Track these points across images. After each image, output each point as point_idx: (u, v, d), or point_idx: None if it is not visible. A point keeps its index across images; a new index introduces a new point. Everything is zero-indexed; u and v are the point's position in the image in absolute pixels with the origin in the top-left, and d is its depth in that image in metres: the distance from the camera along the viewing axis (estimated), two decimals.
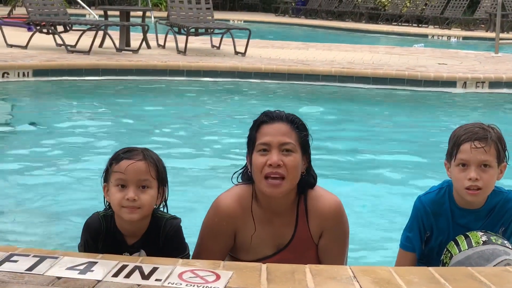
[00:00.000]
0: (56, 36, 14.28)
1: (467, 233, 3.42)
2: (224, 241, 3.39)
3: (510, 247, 3.37)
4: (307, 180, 3.37)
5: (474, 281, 2.93)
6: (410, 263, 3.60)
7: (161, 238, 3.27)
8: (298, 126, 3.31)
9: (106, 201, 3.32)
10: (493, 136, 3.41)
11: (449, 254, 3.41)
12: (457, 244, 3.40)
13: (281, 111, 3.36)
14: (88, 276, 2.83)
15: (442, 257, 3.46)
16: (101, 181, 3.29)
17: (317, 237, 3.39)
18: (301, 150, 3.30)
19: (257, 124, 3.31)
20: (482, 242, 3.34)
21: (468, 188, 3.40)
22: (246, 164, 3.43)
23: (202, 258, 3.33)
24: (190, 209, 5.54)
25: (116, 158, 3.23)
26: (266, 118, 3.30)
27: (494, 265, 3.27)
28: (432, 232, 3.57)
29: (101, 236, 3.27)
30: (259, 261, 3.32)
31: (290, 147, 3.25)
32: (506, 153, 3.49)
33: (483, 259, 3.30)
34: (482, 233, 3.40)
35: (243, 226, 3.37)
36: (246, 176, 3.43)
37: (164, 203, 3.36)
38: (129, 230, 3.27)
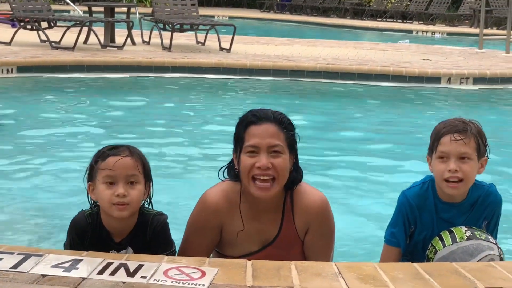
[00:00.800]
0: (40, 32, 14.23)
1: (451, 229, 3.44)
2: (210, 236, 3.40)
3: (494, 242, 3.39)
4: (294, 176, 3.37)
5: (458, 276, 2.94)
6: (395, 258, 3.62)
7: (148, 234, 3.27)
8: (286, 126, 3.30)
9: (91, 199, 3.32)
10: (473, 129, 3.46)
11: (434, 249, 3.44)
12: (442, 240, 3.42)
13: (268, 109, 3.35)
14: (73, 273, 2.83)
15: (427, 253, 3.48)
16: (84, 179, 3.28)
17: (302, 233, 3.40)
18: (288, 150, 3.30)
19: (245, 124, 3.29)
20: (466, 237, 3.37)
21: (448, 179, 3.44)
22: (232, 160, 3.43)
23: (188, 253, 3.34)
24: (176, 205, 5.53)
25: (101, 155, 3.22)
26: (254, 118, 3.29)
27: (478, 260, 3.29)
28: (416, 227, 3.59)
29: (87, 234, 3.27)
30: (245, 257, 3.33)
31: (279, 149, 3.25)
32: (487, 148, 3.53)
33: (467, 254, 3.32)
34: (467, 229, 3.42)
35: (229, 221, 3.38)
36: (233, 172, 3.43)
37: (149, 199, 3.36)
38: (116, 228, 3.27)
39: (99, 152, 3.26)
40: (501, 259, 3.34)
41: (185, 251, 3.38)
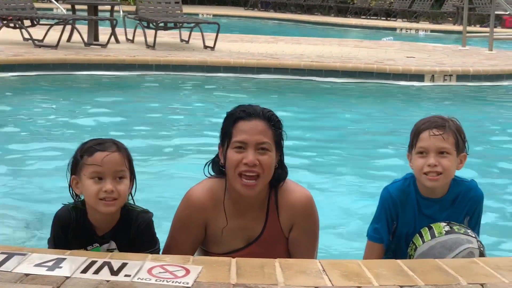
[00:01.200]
0: (23, 30, 14.14)
1: (431, 225, 3.47)
2: (195, 233, 3.39)
3: (473, 235, 3.42)
4: (279, 174, 3.38)
5: (441, 272, 2.96)
6: (378, 254, 3.64)
7: (132, 231, 3.27)
8: (274, 123, 3.30)
9: (74, 193, 3.30)
10: (451, 125, 3.52)
11: (414, 246, 3.46)
12: (421, 236, 3.45)
13: (256, 106, 3.35)
14: (57, 272, 2.82)
15: (408, 250, 3.50)
16: (67, 174, 3.27)
17: (287, 230, 3.40)
18: (275, 147, 3.30)
19: (234, 120, 3.29)
20: (445, 232, 3.40)
21: (427, 173, 3.46)
22: (217, 155, 3.42)
23: (173, 250, 3.34)
24: (162, 202, 5.53)
25: (88, 150, 3.21)
26: (243, 114, 3.28)
27: (457, 254, 3.32)
28: (398, 222, 3.61)
29: (70, 227, 3.26)
30: (229, 254, 3.34)
31: (266, 146, 3.25)
32: (466, 144, 3.58)
33: (445, 248, 3.35)
34: (445, 224, 3.45)
35: (214, 219, 3.38)
36: (217, 167, 3.42)
37: (130, 194, 3.35)
38: (101, 221, 3.26)
39: (84, 146, 3.24)
40: (481, 252, 3.36)
41: (170, 249, 3.38)
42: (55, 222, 3.30)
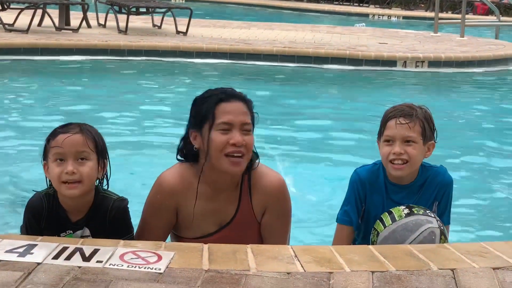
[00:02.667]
0: None
1: (390, 209, 3.50)
2: (166, 218, 3.39)
3: (433, 215, 3.45)
4: (252, 156, 3.38)
5: (412, 258, 2.98)
6: (347, 237, 3.66)
7: (108, 218, 3.25)
8: (251, 105, 3.33)
9: (48, 180, 3.29)
10: (419, 114, 3.54)
11: (376, 232, 3.49)
12: (382, 221, 3.48)
13: (232, 89, 3.36)
14: (28, 258, 2.80)
15: (371, 236, 3.53)
16: (41, 160, 3.26)
17: (259, 214, 3.40)
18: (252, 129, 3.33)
19: (215, 101, 3.29)
20: (404, 215, 3.43)
21: (392, 161, 3.50)
22: (184, 139, 3.40)
23: (145, 235, 3.34)
24: (134, 186, 5.52)
25: (52, 133, 3.20)
26: (224, 95, 3.29)
27: (418, 234, 3.35)
28: (366, 205, 3.63)
29: (43, 214, 3.24)
30: (202, 238, 3.34)
31: (249, 127, 3.28)
32: (435, 133, 3.61)
33: (407, 230, 3.38)
34: (404, 207, 3.49)
35: (185, 203, 3.37)
36: (189, 152, 3.40)
37: (105, 176, 3.33)
38: (72, 206, 3.24)
39: (52, 131, 3.24)
40: (441, 231, 3.39)
41: (142, 233, 3.38)
42: (27, 209, 3.27)
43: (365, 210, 3.64)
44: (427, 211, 3.47)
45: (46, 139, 3.22)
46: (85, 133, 3.18)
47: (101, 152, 3.24)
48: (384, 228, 3.45)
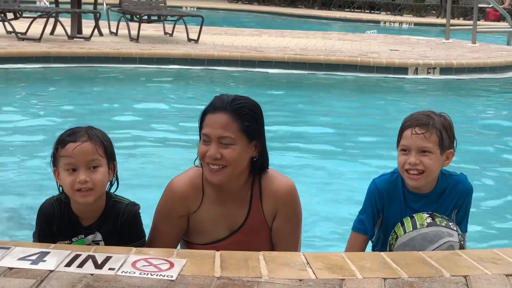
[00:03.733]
0: (6, 23, 14.06)
1: (413, 215, 3.48)
2: (177, 224, 3.39)
3: (455, 229, 3.43)
4: (260, 163, 3.38)
5: (425, 265, 2.97)
6: (360, 245, 3.64)
7: (119, 223, 3.26)
8: (242, 115, 3.27)
9: (59, 185, 3.30)
10: (436, 123, 3.48)
11: (395, 235, 3.47)
12: (403, 225, 3.46)
13: (229, 96, 3.33)
14: (40, 266, 2.81)
15: (389, 238, 3.51)
16: (51, 166, 3.27)
17: (270, 219, 3.40)
18: (247, 138, 3.29)
19: (203, 112, 3.31)
20: (426, 224, 3.41)
21: (408, 170, 3.48)
22: None
23: (156, 242, 3.34)
24: (148, 192, 5.52)
25: (61, 142, 3.20)
26: (210, 107, 3.29)
27: (437, 247, 3.33)
28: (384, 215, 3.61)
29: (55, 220, 3.25)
30: (213, 244, 3.35)
31: (228, 141, 3.23)
32: (455, 141, 3.56)
33: (426, 240, 3.36)
34: (428, 215, 3.46)
35: (196, 209, 3.37)
36: None
37: (116, 179, 3.34)
38: (84, 211, 3.25)
39: (59, 137, 3.24)
40: (461, 246, 3.37)
41: (153, 240, 3.38)
42: (39, 215, 3.29)
43: (383, 220, 3.62)
44: (450, 223, 3.43)
45: (54, 146, 3.23)
46: (93, 139, 3.18)
47: (110, 156, 3.25)
48: (404, 233, 3.43)
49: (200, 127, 3.31)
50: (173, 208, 3.36)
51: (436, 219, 3.43)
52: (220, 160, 3.23)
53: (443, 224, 3.41)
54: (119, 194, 3.36)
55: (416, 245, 3.36)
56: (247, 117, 3.28)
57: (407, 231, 3.42)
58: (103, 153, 3.19)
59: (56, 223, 3.26)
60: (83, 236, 3.27)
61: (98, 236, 3.27)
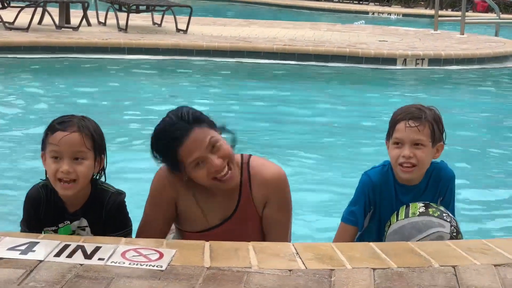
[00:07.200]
0: None
1: (409, 203, 3.50)
2: (166, 209, 3.40)
3: (448, 220, 3.44)
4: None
5: (414, 255, 2.98)
6: (350, 237, 3.65)
7: (104, 211, 3.26)
8: (204, 119, 3.27)
9: (46, 171, 3.29)
10: (428, 116, 3.51)
11: (389, 223, 3.50)
12: (397, 214, 3.48)
13: (179, 121, 3.25)
14: (30, 256, 2.81)
15: (385, 226, 3.54)
16: (40, 150, 3.25)
17: (260, 207, 3.41)
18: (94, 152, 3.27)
19: (173, 150, 3.23)
20: (418, 213, 3.43)
21: (401, 164, 3.48)
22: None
23: (146, 228, 3.36)
24: (138, 182, 5.51)
25: (51, 128, 3.19)
26: (176, 141, 3.21)
27: (425, 236, 3.36)
28: (375, 208, 3.62)
29: (41, 205, 3.25)
30: (205, 231, 3.37)
31: (218, 140, 3.25)
32: (444, 134, 3.59)
33: (415, 229, 3.39)
34: (422, 204, 3.48)
35: (184, 194, 3.38)
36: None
37: (102, 172, 3.33)
38: (70, 198, 3.25)
39: (51, 123, 3.22)
40: (452, 237, 3.38)
41: (142, 225, 3.41)
42: (26, 201, 3.29)
43: (374, 213, 3.63)
44: (444, 214, 3.45)
45: (44, 131, 3.22)
46: (83, 131, 3.16)
47: (99, 148, 3.23)
48: (396, 221, 3.46)
49: (181, 165, 3.25)
50: (161, 193, 3.38)
51: (430, 209, 3.45)
52: (224, 164, 3.23)
53: (436, 215, 3.43)
54: (105, 182, 3.36)
55: (405, 233, 3.38)
56: (207, 117, 3.32)
57: (399, 219, 3.46)
58: (90, 146, 3.17)
59: (43, 209, 3.26)
60: (69, 222, 3.27)
61: (84, 222, 3.28)
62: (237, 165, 3.36)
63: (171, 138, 3.23)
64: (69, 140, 3.13)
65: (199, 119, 3.26)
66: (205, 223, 3.41)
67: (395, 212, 3.52)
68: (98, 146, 3.22)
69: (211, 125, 3.30)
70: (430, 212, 3.44)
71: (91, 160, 3.19)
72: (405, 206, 3.51)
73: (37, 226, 3.26)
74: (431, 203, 3.51)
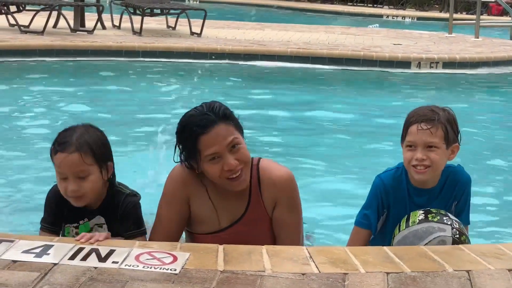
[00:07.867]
0: (9, 16, 14.05)
1: (410, 213, 3.49)
2: (179, 209, 3.43)
3: (449, 223, 3.41)
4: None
5: (428, 259, 2.98)
6: (363, 240, 3.65)
7: (119, 212, 3.33)
8: (227, 116, 3.30)
9: None
10: (441, 118, 3.49)
11: (394, 235, 3.49)
12: (400, 225, 3.48)
13: (204, 111, 3.29)
14: (44, 259, 2.82)
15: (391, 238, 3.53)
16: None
17: (270, 208, 3.43)
18: (241, 135, 3.34)
19: (195, 138, 3.26)
20: (417, 221, 3.42)
21: (415, 166, 3.47)
22: (182, 156, 3.41)
23: (159, 229, 3.40)
24: (151, 185, 5.52)
25: (53, 148, 3.28)
26: (201, 129, 3.25)
27: (426, 243, 3.34)
28: (389, 211, 3.62)
29: (63, 204, 3.33)
30: (215, 233, 3.40)
31: (238, 141, 3.29)
32: (459, 135, 3.57)
33: (416, 238, 3.38)
34: (422, 212, 3.47)
35: (197, 196, 3.41)
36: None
37: (112, 175, 3.38)
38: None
39: (54, 140, 3.31)
40: (455, 239, 3.36)
41: (156, 226, 3.44)
42: (48, 200, 3.39)
43: (388, 216, 3.63)
44: (444, 218, 3.43)
45: (50, 146, 3.30)
46: (81, 150, 3.22)
47: (102, 159, 3.28)
48: (399, 232, 3.45)
49: (197, 153, 3.27)
50: (174, 193, 3.41)
51: (429, 215, 3.43)
52: (239, 165, 3.26)
53: (435, 220, 3.41)
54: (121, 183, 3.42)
55: (407, 243, 3.38)
56: (230, 116, 3.35)
57: (401, 229, 3.45)
58: (91, 161, 3.24)
59: (65, 207, 3.33)
60: (87, 220, 3.36)
61: (101, 220, 3.37)
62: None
63: (197, 125, 3.26)
64: (68, 162, 3.21)
65: (228, 117, 3.30)
66: (216, 224, 3.43)
67: (399, 223, 3.50)
68: (100, 157, 3.28)
69: (238, 127, 3.34)
70: (430, 218, 3.42)
71: (95, 174, 3.26)
72: (406, 216, 3.49)
73: (58, 224, 3.37)
74: (431, 209, 3.49)
